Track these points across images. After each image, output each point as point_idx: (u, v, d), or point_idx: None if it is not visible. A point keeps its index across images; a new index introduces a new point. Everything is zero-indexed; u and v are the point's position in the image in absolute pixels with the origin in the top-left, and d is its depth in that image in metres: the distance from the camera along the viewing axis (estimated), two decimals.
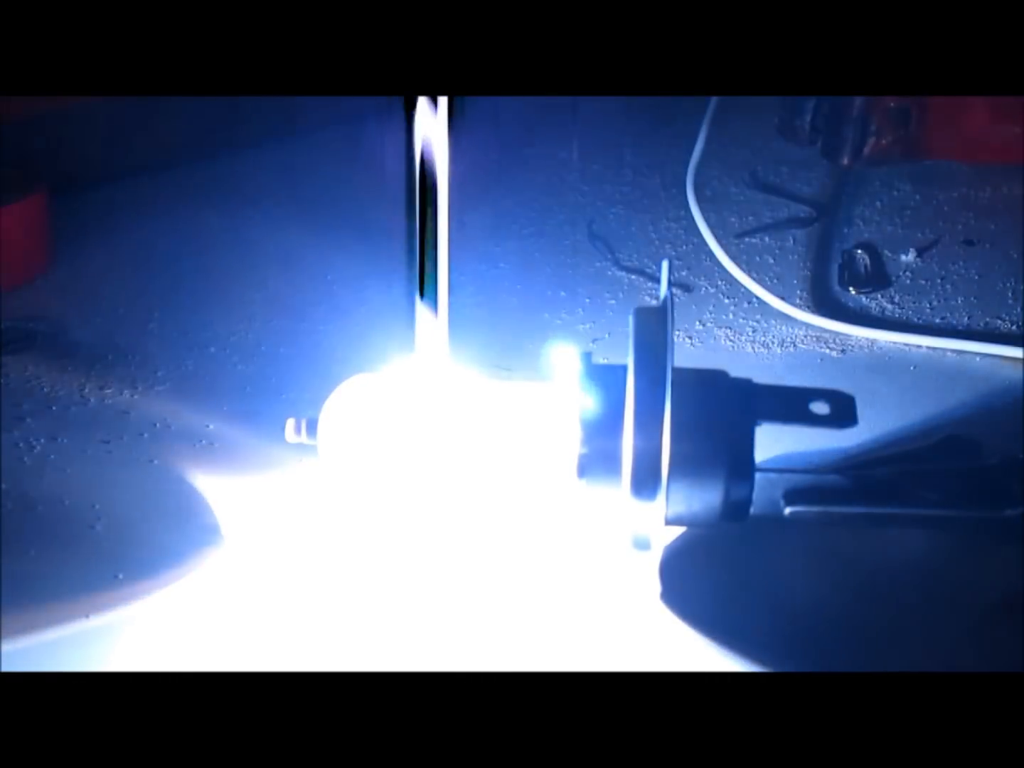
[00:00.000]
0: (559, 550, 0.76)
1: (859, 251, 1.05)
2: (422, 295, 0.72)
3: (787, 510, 0.76)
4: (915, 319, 0.98)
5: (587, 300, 1.00)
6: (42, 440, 0.84)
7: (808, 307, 0.99)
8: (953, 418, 0.88)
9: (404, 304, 0.73)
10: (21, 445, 0.84)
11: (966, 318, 0.98)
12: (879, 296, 1.01)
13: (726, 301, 1.00)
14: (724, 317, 0.99)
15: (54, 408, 0.87)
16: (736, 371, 0.73)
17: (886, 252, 1.06)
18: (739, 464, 0.69)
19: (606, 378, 0.70)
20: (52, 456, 0.83)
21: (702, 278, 1.03)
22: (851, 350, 0.95)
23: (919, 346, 0.95)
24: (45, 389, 0.89)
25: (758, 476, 0.70)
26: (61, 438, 0.84)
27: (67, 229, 1.04)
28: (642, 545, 0.67)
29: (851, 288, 1.02)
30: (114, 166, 1.11)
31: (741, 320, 0.98)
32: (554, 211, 1.11)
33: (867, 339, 0.96)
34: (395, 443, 0.74)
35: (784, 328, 0.97)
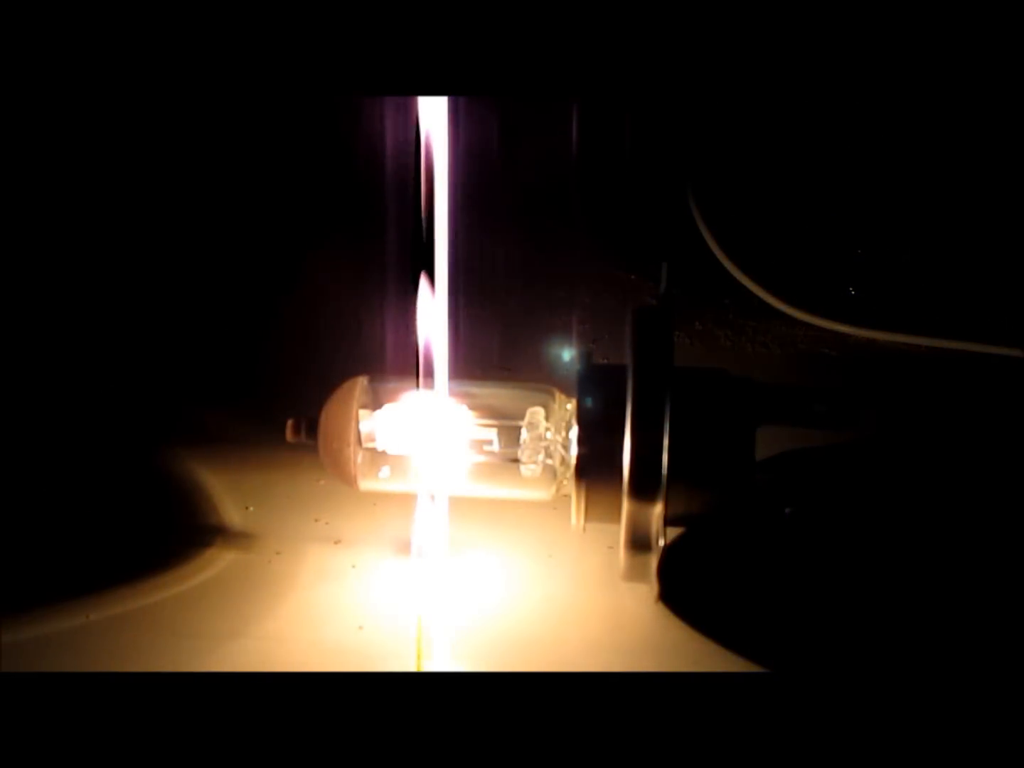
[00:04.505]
0: (559, 550, 0.76)
1: (859, 251, 1.06)
2: (421, 295, 0.72)
3: (787, 510, 0.76)
4: (915, 319, 0.98)
5: (587, 300, 1.00)
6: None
7: (808, 307, 0.99)
8: (953, 418, 0.88)
9: (403, 304, 0.73)
10: None
11: (966, 318, 0.98)
12: (878, 296, 1.01)
13: (726, 301, 1.00)
14: (724, 317, 0.99)
15: None
16: (736, 371, 0.73)
17: (886, 253, 1.06)
18: (739, 464, 0.69)
19: (606, 378, 0.70)
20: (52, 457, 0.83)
21: (702, 278, 1.03)
22: (851, 350, 0.95)
23: (919, 346, 0.95)
24: None
25: (758, 476, 0.70)
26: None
27: None
28: (642, 545, 0.67)
29: (851, 288, 1.02)
30: None
31: (741, 320, 0.98)
32: (554, 211, 1.11)
33: (867, 339, 0.96)
34: (397, 443, 0.74)
35: (784, 328, 0.97)
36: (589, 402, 0.70)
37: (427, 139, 0.69)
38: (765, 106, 1.16)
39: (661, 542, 0.68)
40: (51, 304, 0.97)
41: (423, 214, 0.71)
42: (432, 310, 0.71)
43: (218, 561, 0.75)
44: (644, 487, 0.65)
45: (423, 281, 0.71)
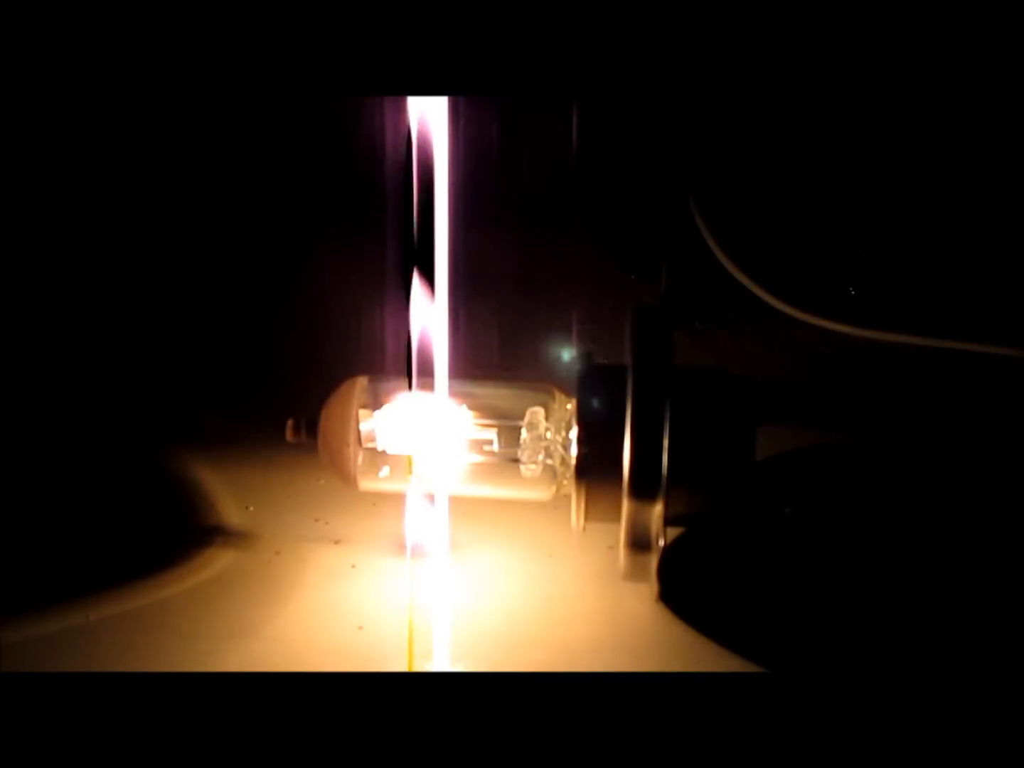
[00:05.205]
0: (559, 550, 0.76)
1: (858, 251, 1.05)
2: (421, 295, 0.72)
3: (787, 510, 0.76)
4: (914, 319, 0.98)
5: (587, 300, 1.00)
6: None
7: (808, 307, 0.99)
8: (953, 418, 0.88)
9: (404, 304, 0.73)
10: None
11: (966, 318, 0.98)
12: (878, 296, 1.01)
13: (726, 301, 1.00)
14: (724, 317, 0.98)
15: None
16: (736, 371, 0.73)
17: (886, 252, 1.06)
18: (739, 464, 0.69)
19: (606, 378, 0.70)
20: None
21: (702, 278, 1.03)
22: (851, 350, 0.95)
23: (919, 346, 0.95)
24: None
25: (757, 476, 0.70)
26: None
27: None
28: (642, 545, 0.67)
29: (851, 288, 1.02)
30: None
31: (741, 320, 0.98)
32: (554, 210, 1.11)
33: (867, 339, 0.96)
34: (397, 443, 0.74)
35: (784, 328, 0.97)
36: (589, 402, 0.70)
37: (427, 139, 0.69)
38: (765, 106, 1.16)
39: (661, 542, 0.68)
40: (53, 305, 0.97)
41: (423, 214, 0.71)
42: (432, 310, 0.71)
43: (218, 561, 0.75)
44: (644, 487, 0.65)
45: (423, 281, 0.71)
